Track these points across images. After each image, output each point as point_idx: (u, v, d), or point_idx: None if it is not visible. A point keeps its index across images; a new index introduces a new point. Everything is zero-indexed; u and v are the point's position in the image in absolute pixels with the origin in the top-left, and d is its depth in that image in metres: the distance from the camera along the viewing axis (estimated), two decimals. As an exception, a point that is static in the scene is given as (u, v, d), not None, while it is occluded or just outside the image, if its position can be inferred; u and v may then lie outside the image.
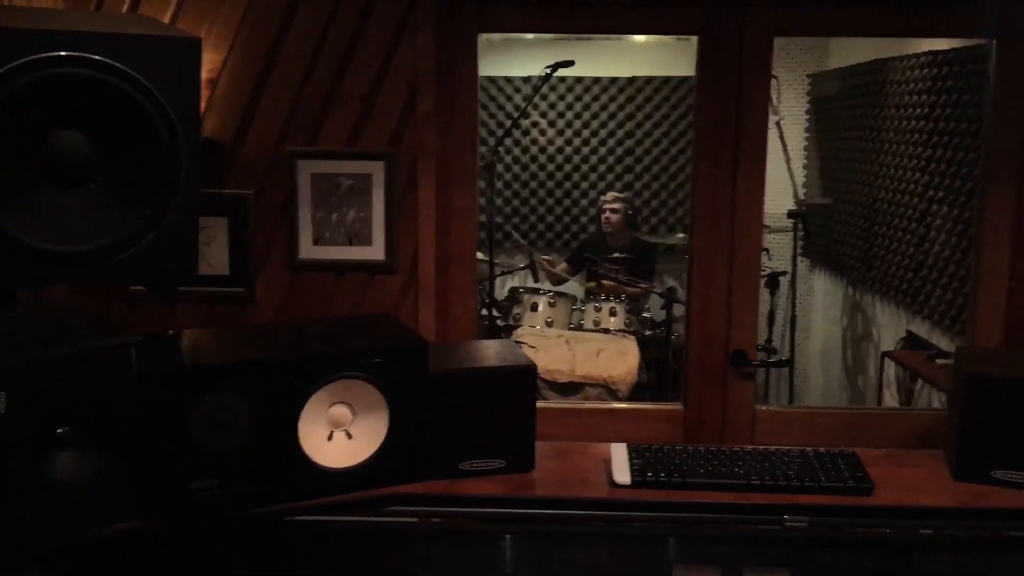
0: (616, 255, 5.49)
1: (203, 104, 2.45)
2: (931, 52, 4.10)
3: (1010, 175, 2.57)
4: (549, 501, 1.67)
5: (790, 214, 4.87)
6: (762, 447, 1.88)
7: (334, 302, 2.56)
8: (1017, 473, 1.80)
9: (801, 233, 4.89)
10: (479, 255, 5.45)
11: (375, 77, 2.48)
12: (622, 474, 1.75)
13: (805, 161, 6.00)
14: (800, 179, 5.88)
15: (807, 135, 6.00)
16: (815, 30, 2.64)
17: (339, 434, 1.69)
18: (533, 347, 4.62)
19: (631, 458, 1.82)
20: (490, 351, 2.08)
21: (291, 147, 2.49)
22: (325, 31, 2.45)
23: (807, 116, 5.99)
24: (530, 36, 5.41)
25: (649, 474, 1.75)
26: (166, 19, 2.43)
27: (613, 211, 5.69)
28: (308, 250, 2.54)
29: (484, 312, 5.61)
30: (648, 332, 5.08)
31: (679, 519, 1.64)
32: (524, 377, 1.88)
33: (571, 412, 2.83)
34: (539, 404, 2.74)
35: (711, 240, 2.65)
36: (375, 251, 2.54)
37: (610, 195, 5.79)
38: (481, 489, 1.72)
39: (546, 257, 5.76)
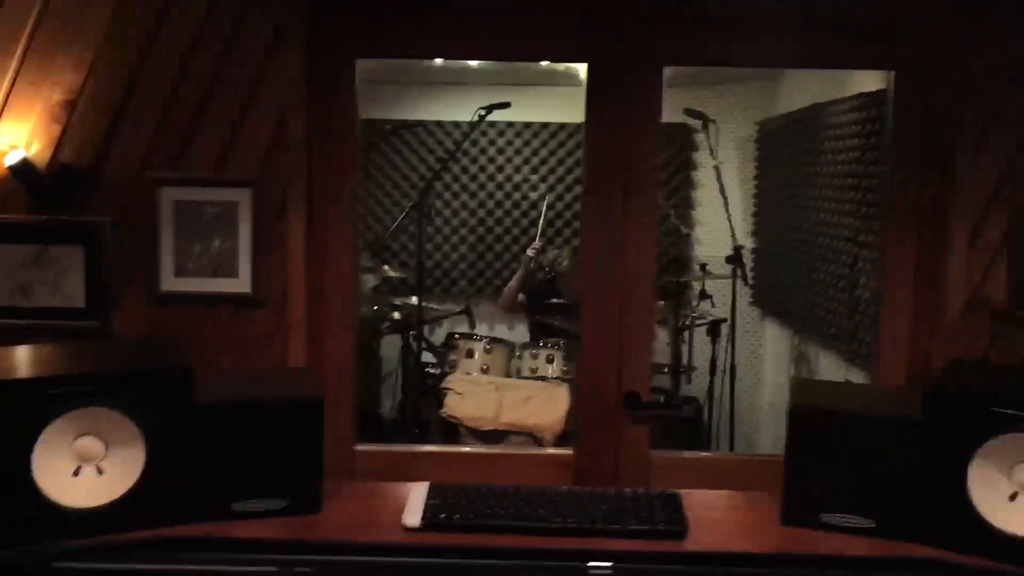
0: (556, 300, 5.34)
1: (59, 128, 2.35)
2: (862, 94, 4.03)
3: (909, 213, 2.48)
4: (324, 546, 1.50)
5: (728, 259, 4.77)
6: (578, 488, 1.72)
7: (199, 337, 2.42)
8: (843, 516, 1.63)
9: (740, 279, 4.79)
10: (414, 300, 5.36)
11: (244, 102, 2.37)
12: (412, 516, 1.59)
13: (755, 209, 5.93)
14: (749, 225, 5.82)
15: (756, 181, 5.93)
16: (704, 60, 2.55)
17: (88, 469, 1.53)
18: (460, 393, 4.47)
19: (429, 499, 1.66)
20: (282, 381, 1.93)
21: (153, 173, 2.37)
22: (191, 53, 2.35)
23: (755, 163, 5.93)
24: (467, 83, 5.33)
25: (442, 515, 1.59)
26: (23, 36, 2.32)
27: (561, 263, 5.50)
28: (170, 282, 2.40)
29: (425, 358, 5.49)
30: (586, 379, 4.92)
31: (471, 567, 1.48)
32: (307, 410, 1.72)
33: (457, 457, 2.69)
34: (419, 449, 2.62)
35: (602, 282, 2.53)
36: (241, 283, 2.41)
37: (553, 253, 5.56)
38: (255, 532, 1.55)
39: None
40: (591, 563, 1.46)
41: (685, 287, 5.83)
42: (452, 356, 5.18)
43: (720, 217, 5.29)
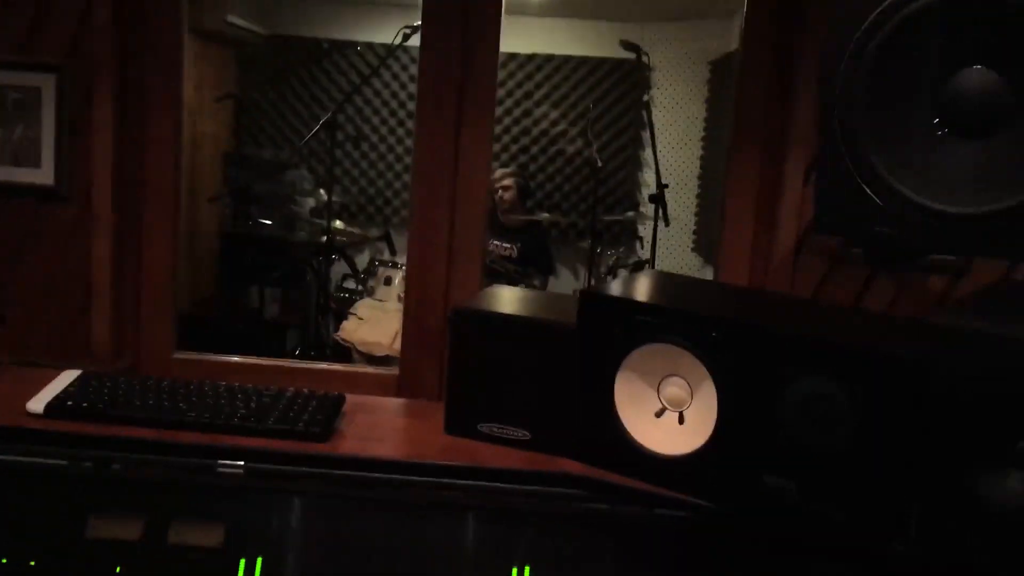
0: (504, 244, 5.29)
1: None
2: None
3: (753, 146, 2.36)
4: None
5: (650, 198, 4.66)
6: (239, 385, 1.62)
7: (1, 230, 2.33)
8: (500, 427, 1.52)
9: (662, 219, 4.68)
10: (338, 224, 5.28)
11: (49, -20, 2.25)
12: (38, 402, 1.51)
13: (703, 152, 5.81)
14: (696, 169, 5.74)
15: (705, 124, 5.81)
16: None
17: None
18: (361, 319, 4.41)
19: (68, 386, 1.58)
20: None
21: (-49, 55, 2.27)
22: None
23: (705, 104, 5.82)
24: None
25: (69, 403, 1.51)
26: None
27: (505, 188, 5.49)
28: (-30, 169, 2.31)
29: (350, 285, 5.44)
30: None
31: (86, 456, 1.39)
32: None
33: (274, 370, 2.60)
34: (235, 360, 2.55)
35: (433, 201, 2.43)
36: (43, 175, 2.31)
37: (499, 171, 5.59)
38: None
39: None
40: (221, 462, 1.37)
41: (613, 226, 5.73)
42: (371, 282, 5.11)
43: (671, 156, 5.19)
